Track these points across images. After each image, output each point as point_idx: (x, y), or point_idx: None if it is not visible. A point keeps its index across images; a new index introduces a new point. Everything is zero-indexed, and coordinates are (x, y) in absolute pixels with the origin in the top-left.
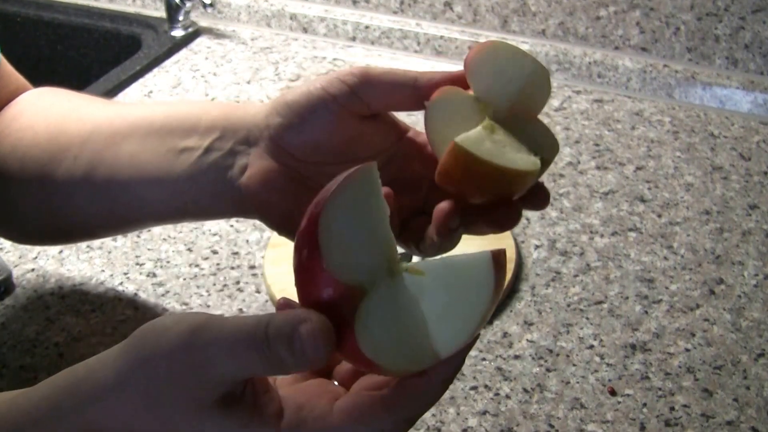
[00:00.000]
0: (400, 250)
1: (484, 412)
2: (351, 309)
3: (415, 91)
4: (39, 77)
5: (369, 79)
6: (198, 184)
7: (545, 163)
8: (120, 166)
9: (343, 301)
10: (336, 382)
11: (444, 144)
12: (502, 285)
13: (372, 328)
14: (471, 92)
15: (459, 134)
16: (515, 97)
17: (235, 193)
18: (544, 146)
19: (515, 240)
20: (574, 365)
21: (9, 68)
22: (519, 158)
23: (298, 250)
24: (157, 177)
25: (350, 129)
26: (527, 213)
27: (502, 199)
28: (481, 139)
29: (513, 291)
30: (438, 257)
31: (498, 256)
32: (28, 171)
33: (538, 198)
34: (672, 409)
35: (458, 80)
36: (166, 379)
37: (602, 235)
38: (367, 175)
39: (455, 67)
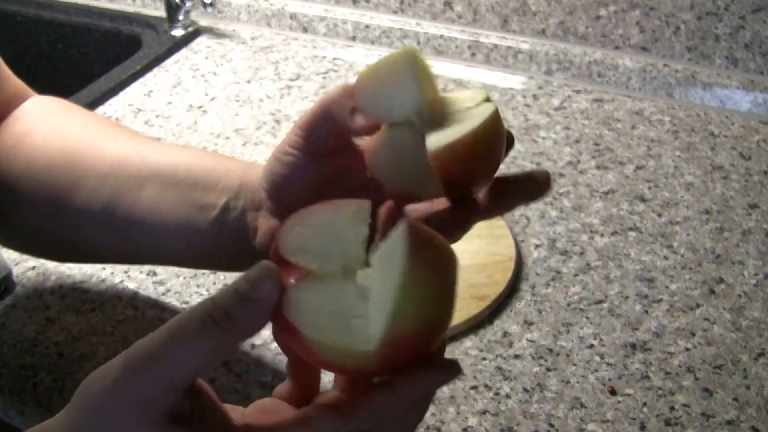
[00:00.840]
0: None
1: (484, 412)
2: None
3: (337, 122)
4: (39, 77)
5: (309, 128)
6: (218, 242)
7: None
8: (140, 211)
9: (291, 274)
10: None
11: (395, 180)
12: (421, 255)
13: (304, 300)
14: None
15: (411, 160)
16: (419, 102)
17: (251, 253)
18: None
19: (515, 239)
20: (574, 365)
21: (8, 72)
22: (476, 110)
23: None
24: (178, 229)
25: (328, 168)
26: (527, 212)
27: (493, 167)
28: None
29: (513, 290)
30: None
31: (414, 226)
32: (42, 194)
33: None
34: (672, 408)
35: (348, 94)
36: (111, 414)
37: (602, 235)
38: (352, 208)
39: (456, 66)
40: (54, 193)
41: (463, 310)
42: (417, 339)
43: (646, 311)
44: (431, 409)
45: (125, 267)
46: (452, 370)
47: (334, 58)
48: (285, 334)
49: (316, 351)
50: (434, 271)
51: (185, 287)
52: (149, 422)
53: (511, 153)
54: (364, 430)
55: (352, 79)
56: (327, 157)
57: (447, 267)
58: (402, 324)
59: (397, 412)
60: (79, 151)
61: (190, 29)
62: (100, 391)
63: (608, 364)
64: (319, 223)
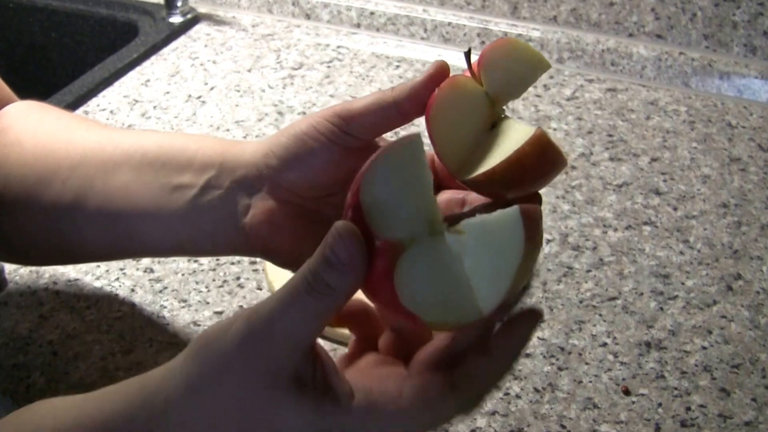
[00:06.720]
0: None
1: (494, 413)
2: (392, 262)
3: (400, 111)
4: (32, 66)
5: (352, 117)
6: (195, 224)
7: None
8: (112, 197)
9: (384, 254)
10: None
11: (452, 139)
12: (534, 238)
13: (411, 279)
14: (473, 84)
15: (468, 129)
16: (518, 93)
17: (238, 234)
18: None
19: None
20: (586, 364)
21: None
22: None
23: (344, 215)
24: (150, 212)
25: (347, 162)
26: None
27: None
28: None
29: (523, 287)
30: (477, 217)
31: (527, 211)
32: (13, 190)
33: None
34: (688, 409)
35: (437, 78)
36: (238, 373)
37: (616, 229)
38: (408, 146)
39: (461, 55)
40: (24, 190)
41: None
42: (512, 297)
43: (662, 308)
44: None
45: (121, 264)
46: (535, 316)
47: (338, 46)
48: (396, 313)
49: (420, 322)
50: (537, 248)
51: (183, 284)
52: (276, 385)
53: None
54: (474, 396)
55: (357, 68)
56: (346, 152)
57: (541, 238)
58: (511, 294)
59: (498, 370)
60: (51, 144)
61: (188, 16)
62: (226, 350)
63: (622, 363)
64: (385, 178)
